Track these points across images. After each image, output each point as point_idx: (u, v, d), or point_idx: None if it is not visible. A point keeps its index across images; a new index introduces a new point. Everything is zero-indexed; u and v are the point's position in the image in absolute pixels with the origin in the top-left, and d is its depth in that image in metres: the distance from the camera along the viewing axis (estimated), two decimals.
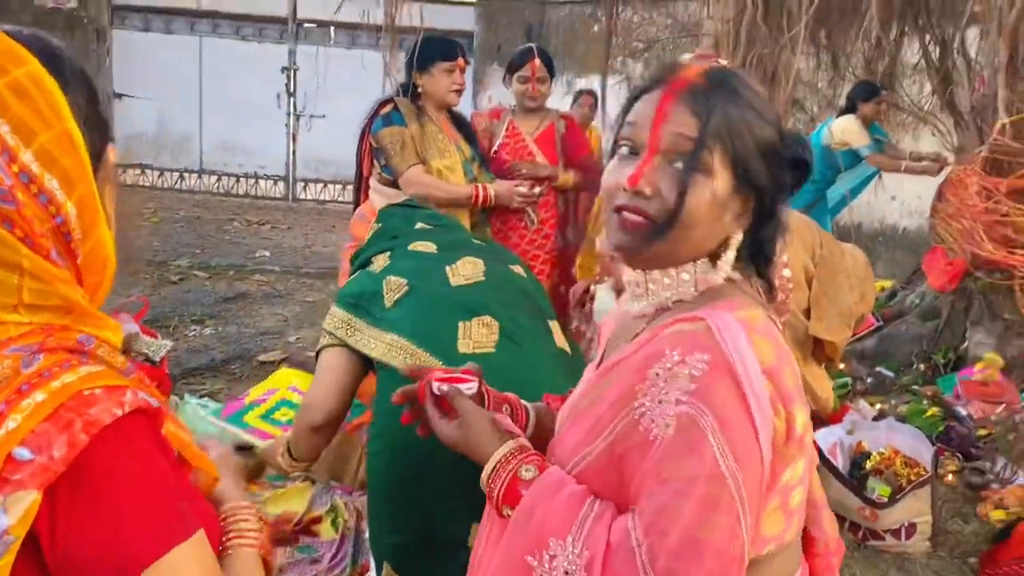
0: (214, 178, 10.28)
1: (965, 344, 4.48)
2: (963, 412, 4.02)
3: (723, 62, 2.02)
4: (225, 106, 9.91)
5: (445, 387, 1.15)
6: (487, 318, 1.76)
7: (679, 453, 0.89)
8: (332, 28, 9.94)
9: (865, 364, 4.81)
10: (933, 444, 3.86)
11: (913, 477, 3.07)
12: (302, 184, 10.38)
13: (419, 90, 3.10)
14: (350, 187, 10.76)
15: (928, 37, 5.56)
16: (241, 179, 10.29)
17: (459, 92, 3.11)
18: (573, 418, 1.07)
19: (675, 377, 0.91)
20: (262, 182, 10.34)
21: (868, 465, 3.22)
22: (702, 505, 0.87)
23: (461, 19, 9.82)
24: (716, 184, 0.98)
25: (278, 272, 6.40)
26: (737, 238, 1.03)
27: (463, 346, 1.72)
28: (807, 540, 1.11)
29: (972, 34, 5.29)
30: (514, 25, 9.45)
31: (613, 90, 8.39)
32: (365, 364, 1.79)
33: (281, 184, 10.36)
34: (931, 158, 5.49)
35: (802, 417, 0.97)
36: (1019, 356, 4.29)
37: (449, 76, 3.06)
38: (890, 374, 4.75)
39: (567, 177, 3.62)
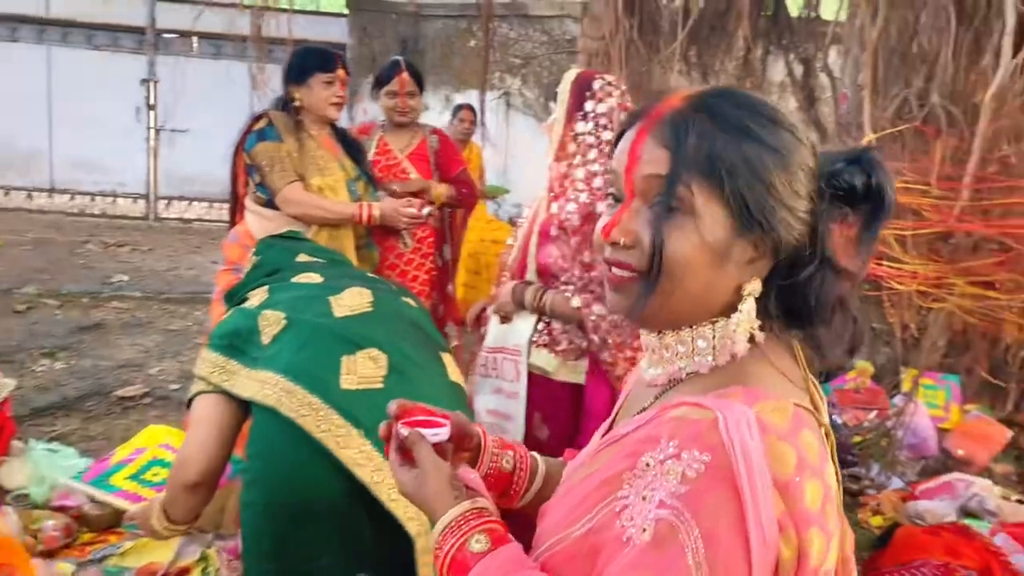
0: (67, 197, 9.62)
1: None
2: (838, 420, 4.13)
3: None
4: (78, 120, 9.30)
5: (406, 431, 0.99)
6: (374, 351, 1.62)
7: (647, 566, 0.75)
8: (195, 38, 9.48)
9: None
10: None
11: None
12: (164, 202, 9.84)
13: (296, 104, 2.91)
14: (216, 205, 10.34)
15: (792, 56, 5.76)
16: (97, 197, 9.67)
17: (339, 105, 2.94)
18: (565, 492, 0.93)
19: (665, 473, 0.77)
20: (120, 200, 9.74)
21: None
22: None
23: (333, 30, 9.56)
24: (703, 224, 0.81)
25: (138, 298, 5.98)
26: (752, 288, 0.85)
27: (347, 382, 1.57)
28: None
29: (834, 52, 5.52)
30: (388, 37, 9.27)
31: (492, 105, 8.37)
32: (245, 411, 1.61)
33: (141, 202, 9.79)
34: None
35: (819, 544, 0.79)
36: (887, 364, 4.46)
37: (328, 88, 2.89)
38: None
39: (440, 191, 3.50)
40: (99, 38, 9.50)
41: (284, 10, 7.40)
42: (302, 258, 1.83)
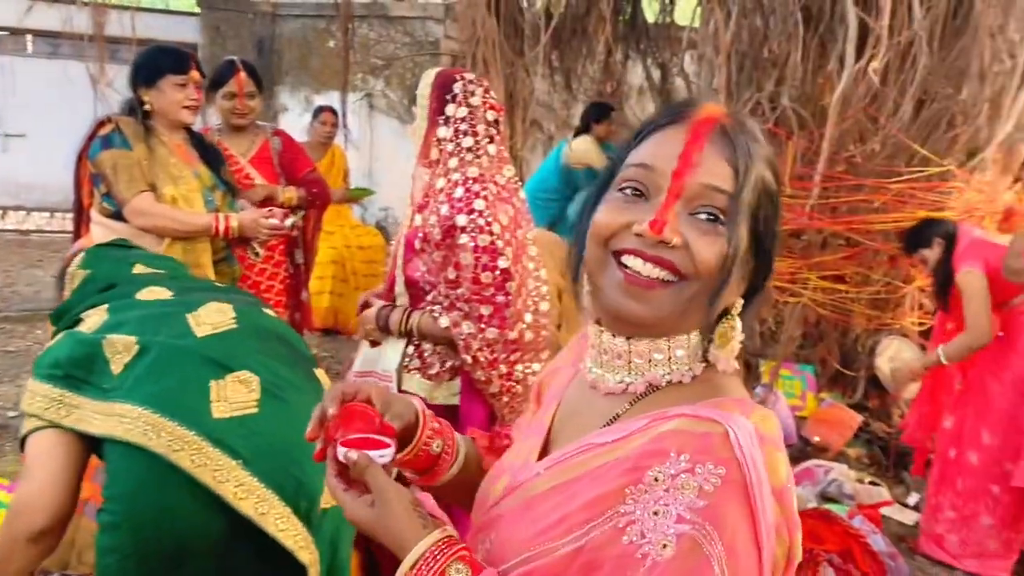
0: None
1: None
2: None
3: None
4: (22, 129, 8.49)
5: (354, 454, 0.87)
6: (244, 374, 1.48)
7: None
8: (28, 36, 8.82)
9: None
10: None
11: None
12: None
13: (146, 107, 2.70)
14: (59, 215, 9.65)
15: (650, 60, 5.91)
16: None
17: (193, 109, 2.73)
18: (526, 504, 0.89)
19: (680, 488, 0.77)
20: None
21: None
22: None
23: (182, 30, 9.10)
24: (742, 243, 0.83)
25: None
26: (739, 307, 0.87)
27: (218, 410, 1.43)
28: None
29: (690, 57, 5.69)
30: (242, 37, 8.92)
31: (354, 107, 8.18)
32: (89, 446, 1.45)
33: None
34: None
35: (800, 542, 0.84)
36: (745, 356, 4.64)
37: (181, 91, 2.67)
38: None
39: (290, 195, 3.35)
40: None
41: (128, 7, 6.99)
42: (140, 269, 1.66)
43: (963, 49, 3.01)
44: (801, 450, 4.13)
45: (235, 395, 1.46)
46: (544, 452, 0.96)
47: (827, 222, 3.48)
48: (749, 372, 4.51)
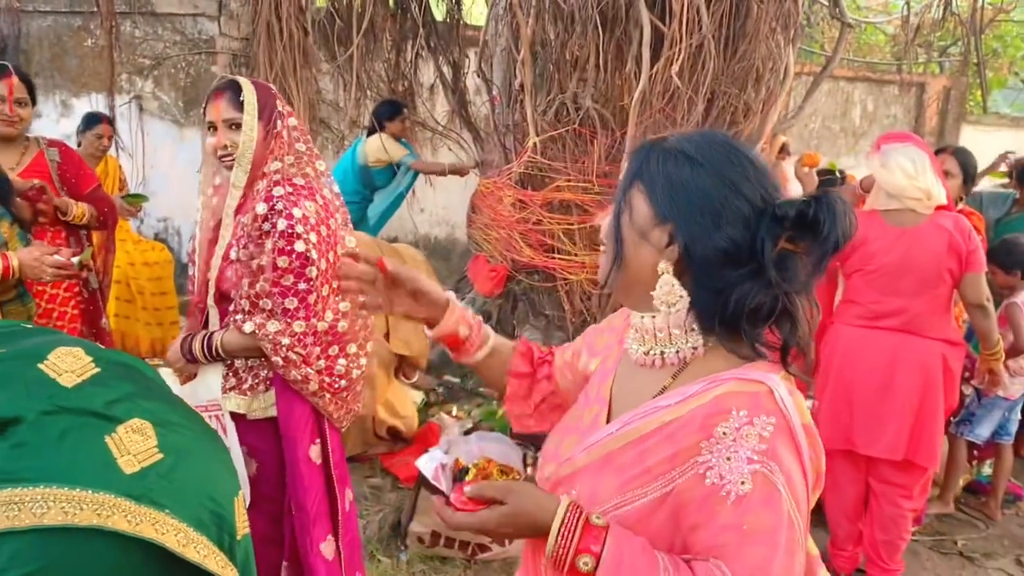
0: None
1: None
2: None
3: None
4: None
5: (469, 489, 1.08)
6: (135, 422, 1.30)
7: (758, 508, 1.00)
8: None
9: (432, 374, 4.97)
10: (520, 447, 4.13)
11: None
12: None
13: None
14: None
15: (441, 59, 5.93)
16: None
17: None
18: (606, 458, 1.12)
19: (745, 437, 1.03)
20: None
21: (468, 479, 3.28)
22: (787, 553, 1.00)
23: None
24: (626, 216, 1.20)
25: None
26: (667, 276, 1.15)
27: (127, 465, 1.24)
28: None
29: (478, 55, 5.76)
30: None
31: (122, 111, 7.55)
32: None
33: None
34: (459, 165, 5.97)
35: (824, 462, 1.14)
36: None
37: None
38: (456, 380, 4.98)
39: (81, 210, 3.07)
40: None
41: None
42: None
43: (745, 52, 3.27)
44: None
45: (134, 446, 1.30)
46: (608, 417, 1.21)
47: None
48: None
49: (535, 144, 3.72)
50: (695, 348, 1.14)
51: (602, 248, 1.20)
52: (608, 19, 3.44)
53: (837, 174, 5.72)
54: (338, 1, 5.86)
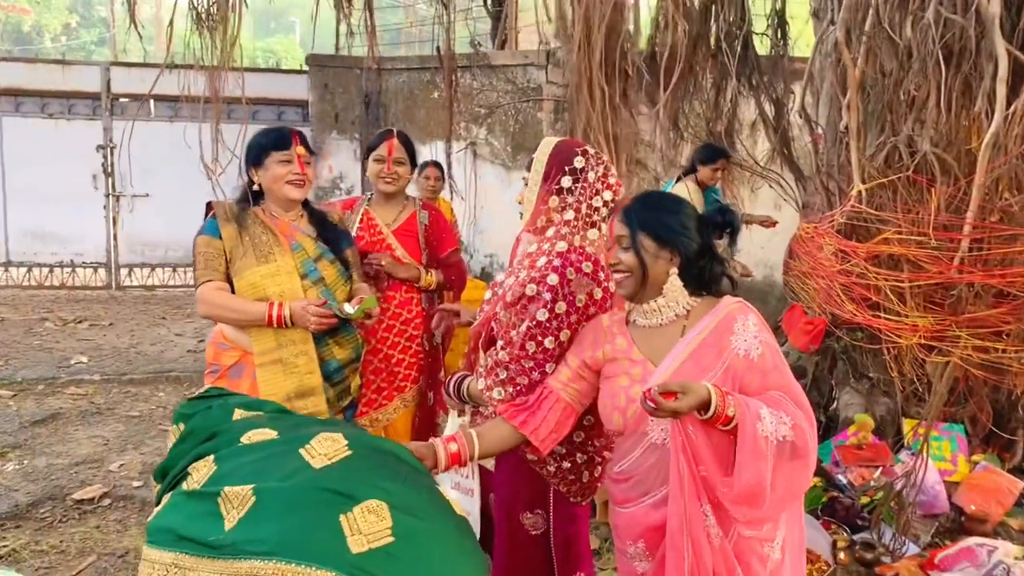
0: (23, 270, 9.27)
1: (834, 405, 4.44)
2: (843, 480, 3.93)
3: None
4: (33, 191, 9.00)
5: (659, 385, 1.76)
6: (372, 503, 1.37)
7: (774, 356, 1.91)
8: (151, 101, 9.25)
9: None
10: (819, 517, 3.75)
11: (816, 574, 2.87)
12: (126, 270, 9.52)
13: (255, 188, 2.77)
14: (180, 270, 10.02)
15: (763, 96, 5.65)
16: (55, 269, 9.33)
17: (298, 184, 2.74)
18: (676, 372, 1.87)
19: (747, 327, 1.90)
20: (80, 271, 9.42)
21: None
22: (788, 371, 1.93)
23: (293, 88, 9.39)
24: (644, 251, 1.96)
25: (97, 381, 5.65)
26: (674, 271, 1.98)
27: (356, 544, 1.31)
28: None
29: (801, 90, 5.41)
30: (350, 93, 9.11)
31: (458, 156, 8.21)
32: None
33: (102, 271, 9.47)
34: (759, 220, 5.69)
35: None
36: (887, 415, 4.27)
37: (285, 167, 2.72)
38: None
39: (429, 279, 3.28)
40: (52, 106, 9.23)
41: (241, 68, 7.21)
42: (239, 414, 1.58)
43: None
44: (955, 520, 3.74)
45: (367, 526, 1.35)
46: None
47: (979, 275, 3.15)
48: (889, 434, 4.16)
49: (860, 192, 3.36)
50: (690, 304, 1.98)
51: (622, 275, 1.98)
52: (953, 53, 3.01)
53: None
54: (660, 43, 5.83)
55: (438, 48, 7.31)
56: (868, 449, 4.01)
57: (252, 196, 2.77)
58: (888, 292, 3.54)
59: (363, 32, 6.66)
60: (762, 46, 5.88)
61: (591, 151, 2.23)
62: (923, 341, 3.52)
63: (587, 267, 2.16)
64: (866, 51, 3.40)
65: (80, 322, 7.56)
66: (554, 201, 2.21)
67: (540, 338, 2.12)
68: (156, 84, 6.21)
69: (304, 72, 9.47)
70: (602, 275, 2.18)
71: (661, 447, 1.91)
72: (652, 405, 1.71)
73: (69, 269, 9.39)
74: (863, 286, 3.71)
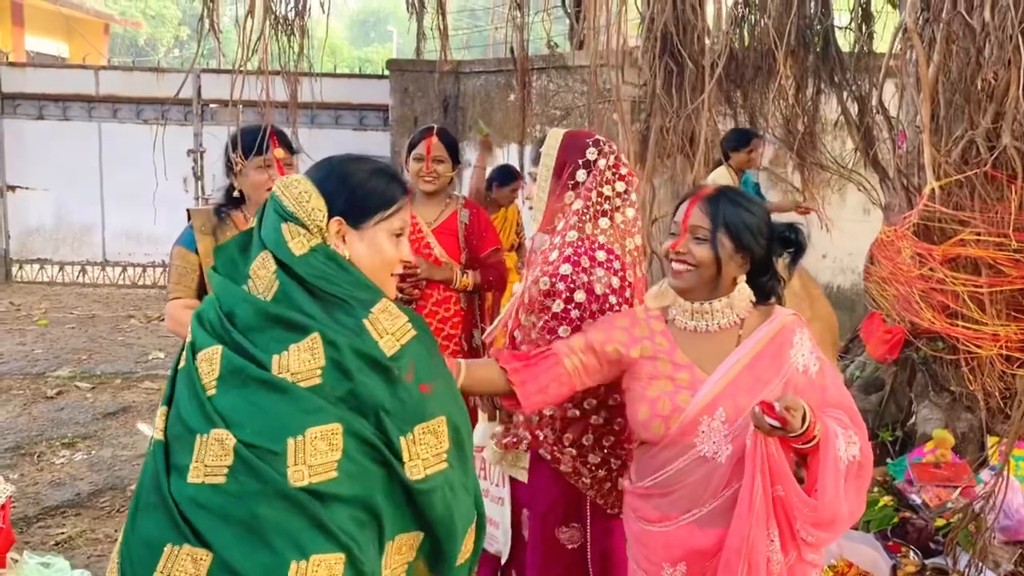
0: (118, 270, 9.69)
1: (912, 420, 4.16)
2: (917, 500, 3.66)
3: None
4: (128, 193, 9.39)
5: (781, 401, 1.68)
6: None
7: (831, 372, 1.90)
8: (240, 106, 9.54)
9: None
10: (888, 539, 3.50)
11: None
12: None
13: (234, 194, 2.71)
14: None
15: (845, 94, 5.38)
16: (148, 269, 9.71)
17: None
18: (732, 383, 1.82)
19: (804, 341, 1.86)
20: None
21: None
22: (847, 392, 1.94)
23: (374, 93, 9.51)
24: (722, 249, 1.84)
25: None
26: (743, 278, 1.89)
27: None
28: None
29: (891, 89, 5.13)
30: (429, 96, 9.16)
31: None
32: None
33: None
34: (787, 207, 5.61)
35: None
36: (969, 432, 3.96)
37: (263, 172, 2.62)
38: None
39: (465, 281, 3.20)
40: (147, 112, 9.62)
41: (322, 74, 7.34)
42: None
43: None
44: None
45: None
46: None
47: None
48: (971, 452, 3.85)
49: (933, 190, 3.11)
50: (746, 311, 1.89)
51: (685, 267, 1.84)
52: None
53: None
54: (739, 41, 5.64)
55: (511, 49, 7.26)
56: (946, 467, 3.73)
57: (233, 200, 2.69)
58: (966, 298, 3.28)
59: (443, 35, 6.69)
60: (845, 41, 5.61)
61: (602, 140, 2.14)
62: (1005, 352, 3.25)
63: (601, 255, 2.06)
64: (944, 38, 3.17)
65: (163, 319, 7.84)
66: (570, 197, 2.11)
67: (556, 328, 2.03)
68: (243, 91, 6.42)
69: (386, 77, 9.58)
70: (617, 264, 2.08)
71: (711, 460, 1.79)
72: (776, 423, 1.63)
73: (161, 269, 9.76)
74: (940, 292, 3.46)
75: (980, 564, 3.21)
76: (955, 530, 3.38)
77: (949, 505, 3.59)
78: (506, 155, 7.91)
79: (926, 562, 3.35)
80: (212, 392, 1.34)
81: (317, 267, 1.40)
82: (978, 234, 3.14)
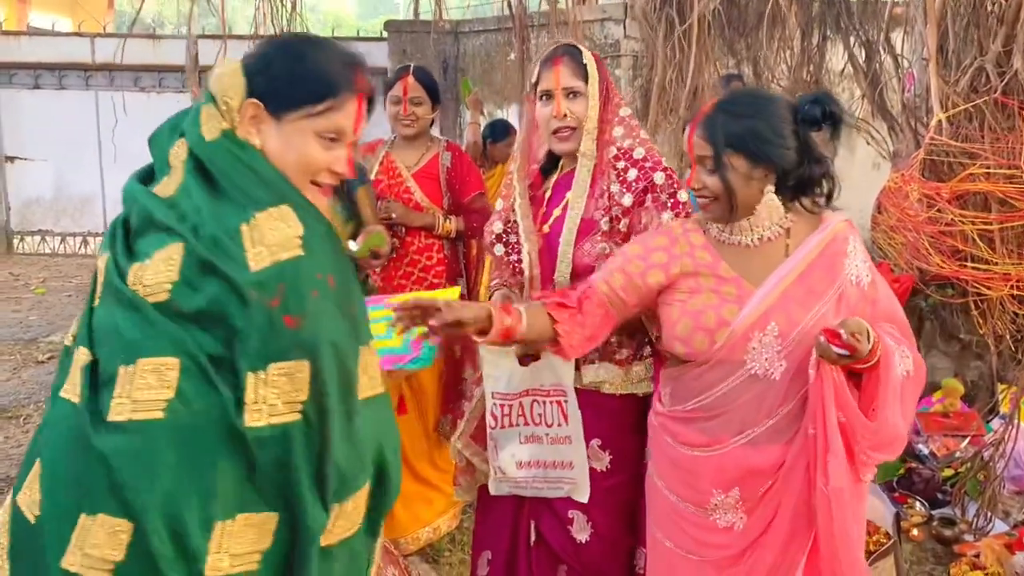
0: None
1: None
2: (924, 450, 3.53)
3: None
4: (128, 162, 9.28)
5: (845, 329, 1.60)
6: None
7: (882, 284, 1.78)
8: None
9: None
10: (894, 490, 3.38)
11: (872, 547, 2.55)
12: None
13: None
14: None
15: (852, 40, 5.19)
16: None
17: None
18: (782, 296, 1.70)
19: (858, 251, 1.74)
20: None
21: None
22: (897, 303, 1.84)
23: (373, 55, 9.33)
24: (730, 173, 1.70)
25: None
26: (770, 189, 1.72)
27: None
28: None
29: (897, 33, 4.94)
30: (428, 57, 8.96)
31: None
32: None
33: None
34: None
35: None
36: (980, 381, 3.82)
37: None
38: None
39: (448, 227, 3.06)
40: (144, 80, 9.49)
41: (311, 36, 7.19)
42: None
43: None
44: None
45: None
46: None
47: None
48: (981, 401, 3.71)
49: (940, 123, 2.95)
50: (790, 221, 1.75)
51: (706, 200, 1.73)
52: None
53: None
54: None
55: (509, 5, 7.09)
56: (955, 417, 3.60)
57: None
58: (975, 237, 3.13)
59: None
60: None
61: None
62: (1016, 292, 3.10)
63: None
64: None
65: None
66: (625, 110, 2.14)
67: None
68: (236, 54, 6.30)
69: (384, 39, 9.40)
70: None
71: (764, 378, 1.68)
72: (844, 351, 1.56)
73: None
74: (949, 235, 3.31)
75: (989, 514, 3.09)
76: (963, 479, 3.26)
77: (957, 455, 3.47)
78: (506, 116, 7.74)
79: (933, 512, 3.23)
80: (96, 303, 1.21)
81: (221, 154, 1.22)
82: (988, 168, 2.99)
